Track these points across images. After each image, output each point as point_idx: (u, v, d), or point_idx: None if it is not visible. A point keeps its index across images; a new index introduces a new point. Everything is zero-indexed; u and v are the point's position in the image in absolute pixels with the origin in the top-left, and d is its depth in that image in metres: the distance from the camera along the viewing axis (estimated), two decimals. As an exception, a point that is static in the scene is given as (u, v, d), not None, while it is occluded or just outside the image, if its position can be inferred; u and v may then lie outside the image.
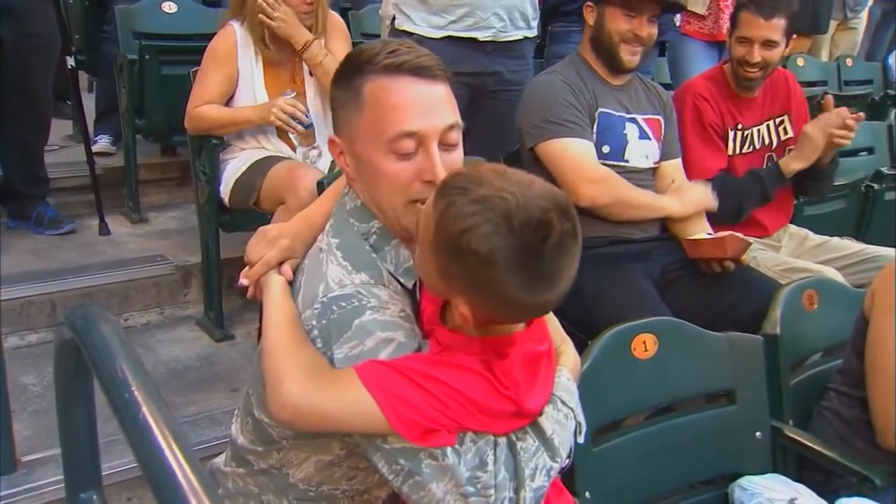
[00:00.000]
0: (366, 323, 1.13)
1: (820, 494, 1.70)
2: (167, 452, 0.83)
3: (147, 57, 3.41)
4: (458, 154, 1.24)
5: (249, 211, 2.65)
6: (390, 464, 1.10)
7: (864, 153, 3.77)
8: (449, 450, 1.08)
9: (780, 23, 2.59)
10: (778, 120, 2.78)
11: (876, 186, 3.10)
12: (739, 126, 2.72)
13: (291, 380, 1.09)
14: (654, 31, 2.37)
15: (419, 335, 1.18)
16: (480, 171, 1.06)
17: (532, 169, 2.46)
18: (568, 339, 1.31)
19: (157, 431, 0.86)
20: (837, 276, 2.44)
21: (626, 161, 2.38)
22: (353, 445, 1.20)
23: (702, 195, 2.39)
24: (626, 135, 2.39)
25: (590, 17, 2.42)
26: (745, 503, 1.70)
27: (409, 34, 2.67)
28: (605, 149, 2.36)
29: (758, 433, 1.78)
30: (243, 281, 1.27)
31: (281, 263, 1.27)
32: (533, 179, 1.05)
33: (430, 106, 1.20)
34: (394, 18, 2.74)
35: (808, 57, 5.17)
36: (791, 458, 1.83)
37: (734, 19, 2.69)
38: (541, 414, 1.14)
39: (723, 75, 2.74)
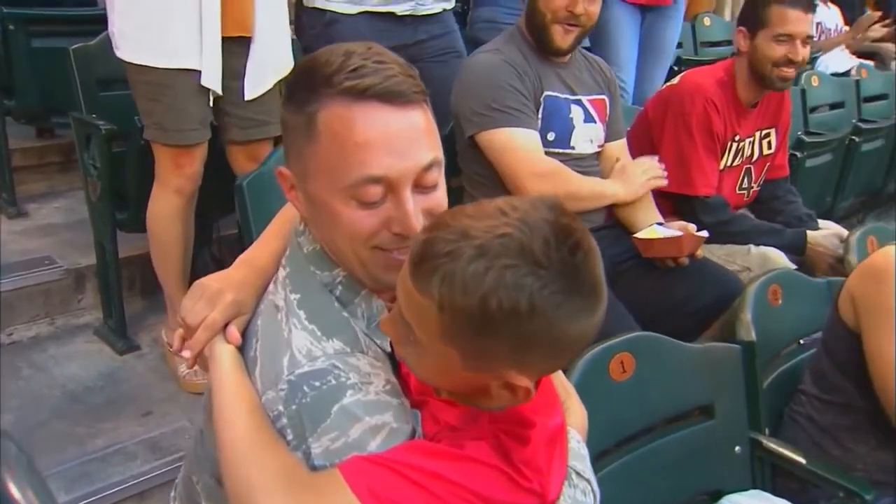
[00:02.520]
0: (347, 407, 0.91)
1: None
2: None
3: (12, 28, 2.98)
4: (439, 195, 1.01)
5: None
6: None
7: (838, 108, 4.02)
8: None
9: (812, 17, 2.44)
10: (765, 132, 2.62)
11: (857, 139, 3.34)
12: (737, 137, 2.53)
13: (263, 494, 0.87)
14: (594, 8, 2.17)
15: (408, 409, 0.97)
16: (447, 223, 0.85)
17: (470, 158, 2.32)
18: (572, 391, 1.14)
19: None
20: (782, 258, 2.38)
21: (573, 148, 2.22)
22: None
23: (651, 171, 2.25)
24: (571, 119, 2.22)
25: None
26: (730, 526, 1.60)
27: (322, 11, 2.41)
28: (551, 136, 2.18)
29: (737, 448, 1.68)
30: (184, 353, 1.02)
31: (226, 324, 1.04)
32: (505, 200, 0.86)
33: (402, 142, 0.95)
34: (302, -7, 2.47)
35: (714, 16, 5.14)
36: (766, 466, 1.74)
37: (760, 15, 2.45)
38: (557, 499, 0.97)
39: (731, 80, 2.51)
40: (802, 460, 1.67)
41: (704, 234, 2.17)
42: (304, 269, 1.04)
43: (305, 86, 0.98)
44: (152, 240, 2.33)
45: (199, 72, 2.13)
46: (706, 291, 2.13)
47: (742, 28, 2.52)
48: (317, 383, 0.92)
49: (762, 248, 2.39)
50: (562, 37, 2.14)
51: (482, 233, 0.82)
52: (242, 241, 2.31)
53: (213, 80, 2.15)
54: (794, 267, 2.28)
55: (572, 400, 1.11)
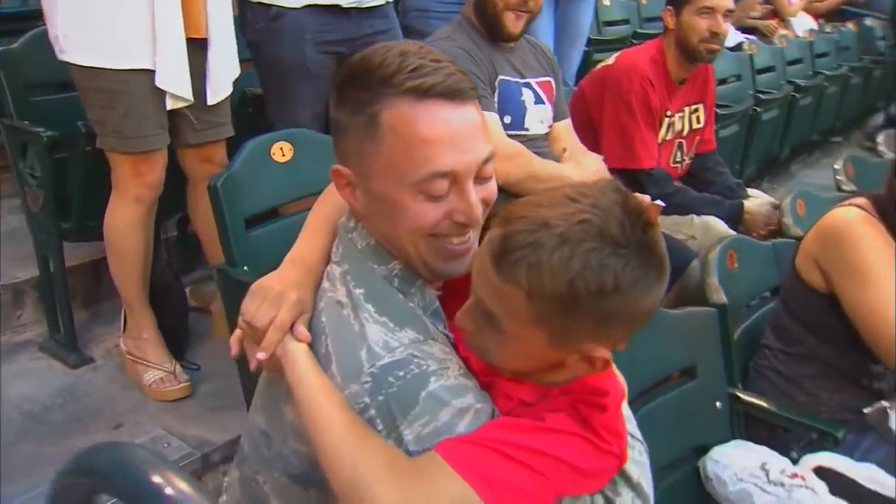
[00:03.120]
0: (434, 392, 0.96)
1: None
2: None
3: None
4: (492, 185, 1.06)
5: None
6: None
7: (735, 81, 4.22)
8: None
9: None
10: (693, 107, 2.77)
11: (758, 109, 3.60)
12: (668, 112, 2.67)
13: (375, 483, 0.90)
14: None
15: (481, 389, 1.02)
16: (521, 215, 0.91)
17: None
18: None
19: None
20: (723, 226, 2.54)
21: (527, 129, 2.30)
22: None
23: (598, 165, 2.37)
24: (523, 102, 2.29)
25: None
26: (721, 475, 1.72)
27: (267, 6, 2.38)
28: (507, 119, 2.25)
29: (717, 403, 1.80)
30: (259, 355, 1.03)
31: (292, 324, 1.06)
32: (571, 187, 0.94)
33: (464, 138, 1.00)
34: (245, -12, 2.43)
35: (611, -5, 5.33)
36: (741, 418, 1.87)
37: None
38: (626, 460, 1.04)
39: (662, 58, 2.65)
40: (776, 409, 1.82)
41: (661, 203, 2.29)
42: (362, 264, 1.07)
43: (363, 87, 1.01)
44: (111, 250, 2.25)
45: (153, 72, 2.08)
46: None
47: (669, 7, 2.66)
48: (400, 373, 0.96)
49: (704, 217, 2.54)
50: (514, 23, 2.20)
51: (561, 221, 0.88)
52: (192, 245, 2.26)
53: (175, 81, 2.10)
54: (734, 233, 2.44)
55: (612, 366, 1.19)
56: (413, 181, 0.99)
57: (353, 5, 2.43)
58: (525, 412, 1.00)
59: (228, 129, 2.33)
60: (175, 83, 2.12)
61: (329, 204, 1.20)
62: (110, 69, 2.05)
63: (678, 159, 2.76)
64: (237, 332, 1.08)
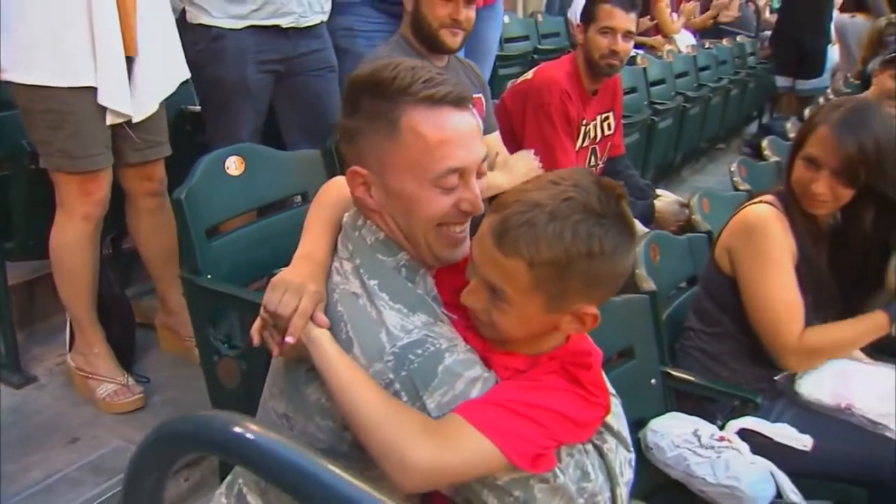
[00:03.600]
0: (450, 366, 1.11)
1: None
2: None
3: None
4: (483, 179, 1.25)
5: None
6: (501, 498, 1.11)
7: (632, 93, 4.45)
8: (557, 470, 1.11)
9: (635, 16, 2.79)
10: (604, 115, 3.00)
11: (655, 119, 3.87)
12: (584, 121, 2.88)
13: (413, 446, 1.05)
14: (472, 13, 2.44)
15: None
16: (513, 199, 1.10)
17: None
18: None
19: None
20: (637, 224, 2.77)
21: (463, 142, 2.46)
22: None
23: (529, 164, 2.55)
24: (459, 116, 2.45)
25: (408, 3, 2.42)
26: (659, 443, 1.92)
27: (207, 27, 2.47)
28: (445, 132, 2.40)
29: (653, 380, 2.01)
30: (289, 339, 1.13)
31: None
32: (551, 173, 1.15)
33: (470, 139, 1.18)
34: (184, 11, 2.50)
35: (511, 13, 5.60)
36: (671, 393, 2.09)
37: (591, 12, 2.81)
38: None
39: (577, 70, 2.86)
40: (703, 382, 2.04)
41: None
42: (372, 258, 1.21)
43: (381, 97, 1.16)
44: (59, 269, 2.28)
45: (97, 90, 2.11)
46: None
47: (579, 24, 2.90)
48: (419, 351, 1.10)
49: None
50: (451, 39, 2.38)
51: (549, 200, 1.07)
52: (127, 262, 2.27)
53: (117, 98, 2.14)
54: (647, 231, 2.67)
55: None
56: (431, 176, 1.15)
57: (292, 25, 2.55)
58: (521, 378, 1.16)
59: (167, 147, 2.39)
60: (117, 100, 2.15)
61: (326, 205, 1.33)
62: (57, 87, 2.08)
63: (592, 163, 3.00)
64: (257, 322, 1.19)
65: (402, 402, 1.09)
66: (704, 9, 7.41)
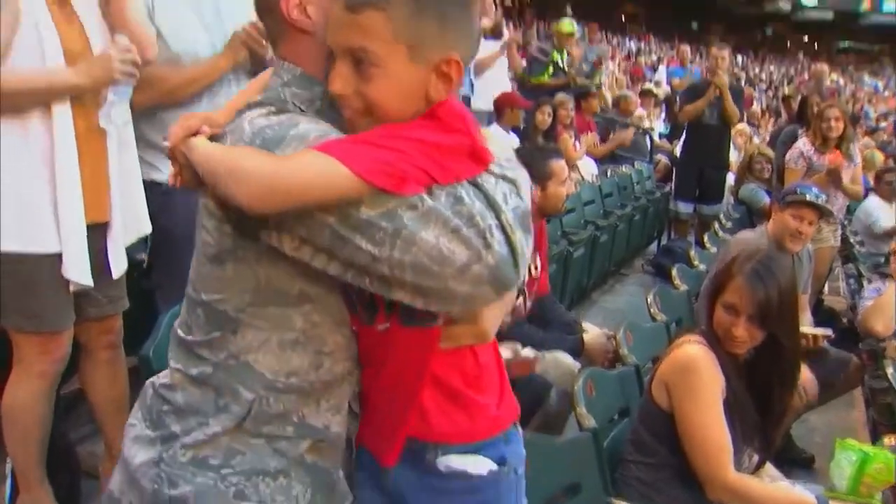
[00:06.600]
0: (302, 131, 1.13)
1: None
2: None
3: None
4: None
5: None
6: (372, 237, 1.07)
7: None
8: (424, 195, 1.08)
9: None
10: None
11: (571, 249, 4.20)
12: None
13: (246, 162, 1.09)
14: None
15: None
16: None
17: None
18: None
19: None
20: (569, 358, 2.97)
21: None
22: (314, 323, 1.20)
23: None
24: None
25: None
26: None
27: (158, 184, 2.58)
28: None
29: (599, 511, 2.16)
30: (165, 143, 1.20)
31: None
32: None
33: None
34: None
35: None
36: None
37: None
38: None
39: None
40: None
41: (530, 354, 2.67)
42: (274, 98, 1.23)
43: None
44: (11, 426, 2.25)
45: (60, 256, 2.14)
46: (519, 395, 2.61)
47: None
48: (274, 125, 1.15)
49: (552, 352, 2.96)
50: None
51: None
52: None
53: (79, 271, 2.16)
54: (579, 366, 2.86)
55: None
56: None
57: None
58: None
59: (126, 301, 2.45)
60: (78, 273, 2.17)
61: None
62: (22, 254, 2.11)
63: (521, 305, 3.20)
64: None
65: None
66: (602, 138, 7.99)
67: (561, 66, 7.79)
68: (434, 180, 1.08)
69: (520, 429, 1.39)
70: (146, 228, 2.46)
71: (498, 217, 1.10)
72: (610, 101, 10.27)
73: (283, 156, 1.09)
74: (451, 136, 1.12)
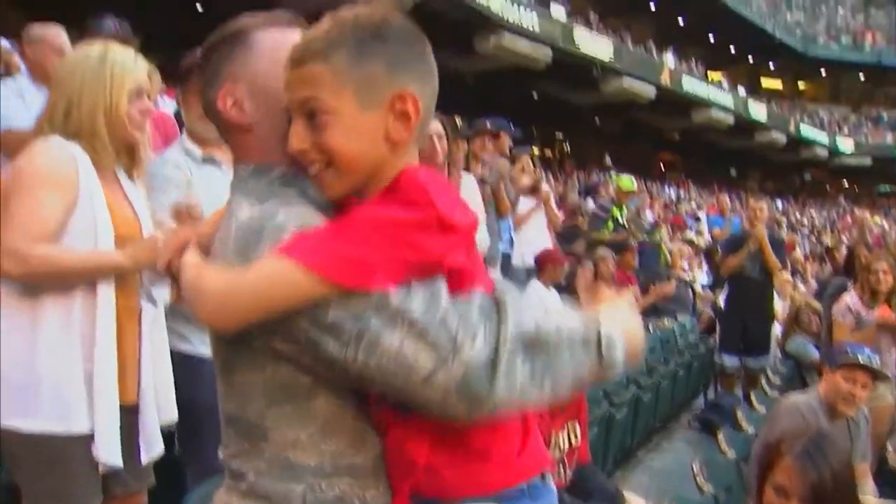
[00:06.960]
0: (280, 222, 1.12)
1: None
2: None
3: None
4: None
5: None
6: (339, 338, 1.05)
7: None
8: (392, 292, 1.04)
9: None
10: (571, 424, 3.06)
11: (613, 411, 4.11)
12: (552, 434, 2.92)
13: (204, 281, 1.10)
14: None
15: None
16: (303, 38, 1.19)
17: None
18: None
19: None
20: None
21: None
22: (338, 405, 1.15)
23: None
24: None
25: None
26: None
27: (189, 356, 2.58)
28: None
29: None
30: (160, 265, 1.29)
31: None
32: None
33: None
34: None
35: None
36: None
37: None
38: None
39: None
40: None
41: None
42: (241, 198, 1.24)
43: None
44: None
45: (93, 437, 2.10)
46: None
47: None
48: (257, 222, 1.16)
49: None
50: None
51: (332, 23, 1.13)
52: None
53: (110, 452, 2.12)
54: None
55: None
56: None
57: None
58: None
59: (152, 478, 2.38)
60: (108, 454, 2.13)
61: None
62: (54, 433, 2.07)
63: (561, 475, 3.05)
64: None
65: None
66: (644, 289, 7.92)
67: (621, 222, 7.88)
68: (405, 262, 1.04)
69: (552, 485, 1.25)
70: (172, 416, 2.41)
71: (498, 328, 1.05)
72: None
73: (246, 266, 1.08)
74: (415, 211, 1.06)
